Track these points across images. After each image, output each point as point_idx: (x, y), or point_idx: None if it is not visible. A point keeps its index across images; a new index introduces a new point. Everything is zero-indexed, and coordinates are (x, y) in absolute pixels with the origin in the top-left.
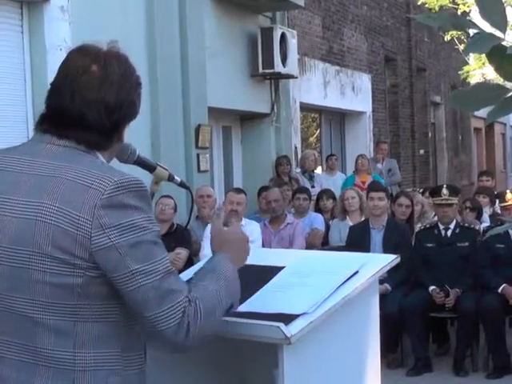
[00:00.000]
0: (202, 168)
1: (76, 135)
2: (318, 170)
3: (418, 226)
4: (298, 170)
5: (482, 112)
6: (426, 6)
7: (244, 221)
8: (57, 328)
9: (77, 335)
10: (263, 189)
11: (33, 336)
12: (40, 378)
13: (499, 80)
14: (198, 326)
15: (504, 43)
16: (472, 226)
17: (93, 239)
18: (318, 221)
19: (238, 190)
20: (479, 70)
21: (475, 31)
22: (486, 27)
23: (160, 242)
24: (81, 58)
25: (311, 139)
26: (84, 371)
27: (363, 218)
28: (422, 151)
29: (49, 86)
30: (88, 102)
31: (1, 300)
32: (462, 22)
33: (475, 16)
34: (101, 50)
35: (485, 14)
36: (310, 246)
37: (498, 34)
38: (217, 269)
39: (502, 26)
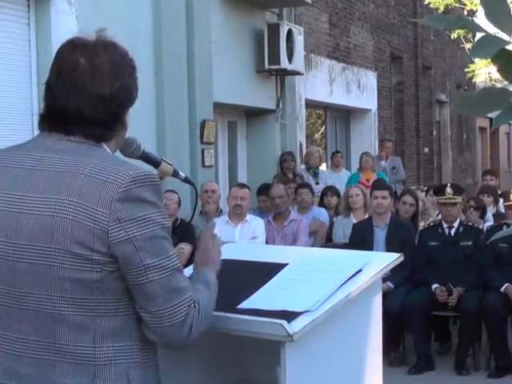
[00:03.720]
0: (206, 163)
1: (81, 131)
2: (323, 167)
3: (420, 224)
4: (303, 166)
5: None
6: (431, 5)
7: (248, 216)
8: (76, 323)
9: (96, 330)
10: (263, 188)
11: (52, 333)
12: (59, 374)
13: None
14: (199, 327)
15: (509, 46)
16: (476, 225)
17: (110, 232)
18: (321, 214)
19: (242, 185)
20: (485, 69)
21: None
22: (492, 29)
23: (169, 238)
24: (70, 54)
25: (316, 136)
26: (104, 365)
27: (367, 216)
28: (426, 149)
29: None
30: (83, 98)
31: (20, 298)
32: (467, 24)
33: (482, 15)
34: (89, 41)
35: (490, 16)
36: (313, 233)
37: (503, 36)
38: (206, 279)
39: (508, 29)
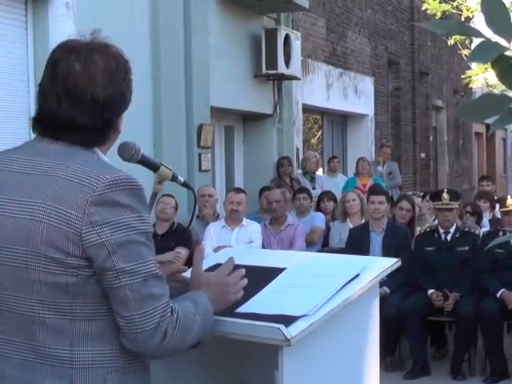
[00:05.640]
0: (203, 167)
1: (70, 137)
2: (320, 172)
3: (417, 230)
4: (300, 171)
5: None
6: (429, 11)
7: (245, 221)
8: (54, 326)
9: (73, 333)
10: (265, 189)
11: (31, 334)
12: (40, 376)
13: (502, 86)
14: (175, 337)
15: (508, 53)
16: (472, 231)
17: (83, 236)
18: (318, 218)
19: (238, 190)
20: (482, 75)
21: (481, 39)
22: (491, 35)
23: (149, 243)
24: (64, 57)
25: (313, 141)
26: (82, 369)
27: (364, 221)
28: (423, 155)
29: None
30: (75, 105)
31: (3, 300)
32: (468, 29)
33: (478, 22)
34: (83, 44)
35: (490, 22)
36: (309, 243)
37: (502, 42)
38: (195, 299)
39: (508, 35)
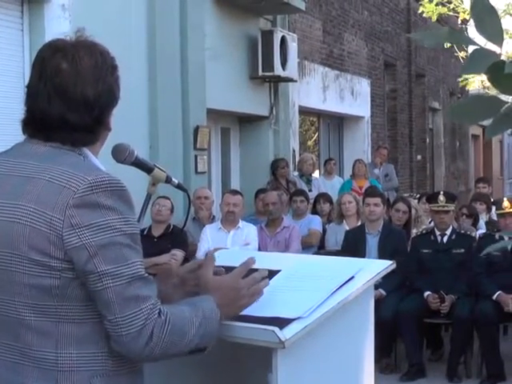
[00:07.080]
0: (199, 169)
1: (61, 136)
2: (316, 174)
3: (413, 232)
4: (296, 173)
5: None
6: (424, 14)
7: (241, 223)
8: (39, 328)
9: (59, 335)
10: (260, 191)
11: (18, 336)
12: (27, 378)
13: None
14: (162, 340)
15: (502, 57)
16: (468, 233)
17: (64, 238)
18: (315, 221)
19: (235, 192)
20: (478, 77)
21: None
22: (483, 41)
23: (134, 245)
24: (51, 57)
25: (309, 143)
26: (67, 371)
27: (360, 223)
28: (419, 157)
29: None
30: (66, 103)
31: None
32: (459, 38)
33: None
34: (69, 43)
35: (481, 28)
36: (306, 246)
37: (494, 47)
38: (196, 303)
39: (498, 40)
